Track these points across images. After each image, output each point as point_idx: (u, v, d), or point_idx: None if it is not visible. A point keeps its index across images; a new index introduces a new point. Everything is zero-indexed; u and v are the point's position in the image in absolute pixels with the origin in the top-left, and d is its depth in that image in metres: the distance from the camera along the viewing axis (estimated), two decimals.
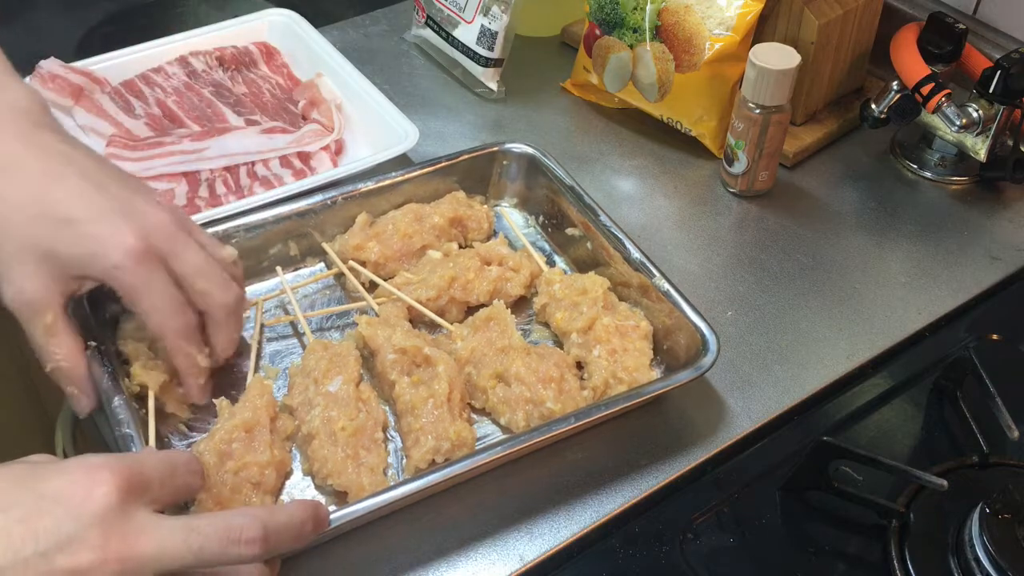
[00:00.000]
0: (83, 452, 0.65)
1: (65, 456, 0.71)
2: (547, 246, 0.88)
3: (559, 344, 0.79)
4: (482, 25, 1.01)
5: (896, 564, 0.66)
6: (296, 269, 0.84)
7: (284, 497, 0.68)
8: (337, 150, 0.95)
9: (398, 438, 0.71)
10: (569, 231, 0.86)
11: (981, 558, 0.63)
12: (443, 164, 0.87)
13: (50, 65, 0.96)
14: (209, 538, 0.50)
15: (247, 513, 0.52)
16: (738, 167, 0.93)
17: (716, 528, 0.69)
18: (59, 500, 0.48)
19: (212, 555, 0.51)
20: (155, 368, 0.70)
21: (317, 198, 0.83)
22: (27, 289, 0.63)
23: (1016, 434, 0.72)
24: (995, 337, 0.84)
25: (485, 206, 0.88)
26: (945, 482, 0.66)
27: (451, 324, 0.78)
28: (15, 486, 0.49)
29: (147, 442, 0.66)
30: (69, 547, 0.47)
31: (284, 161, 0.92)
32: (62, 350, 0.65)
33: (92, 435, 0.74)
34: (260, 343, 0.77)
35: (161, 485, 0.52)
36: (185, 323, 0.66)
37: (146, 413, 0.69)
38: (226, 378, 0.75)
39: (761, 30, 0.93)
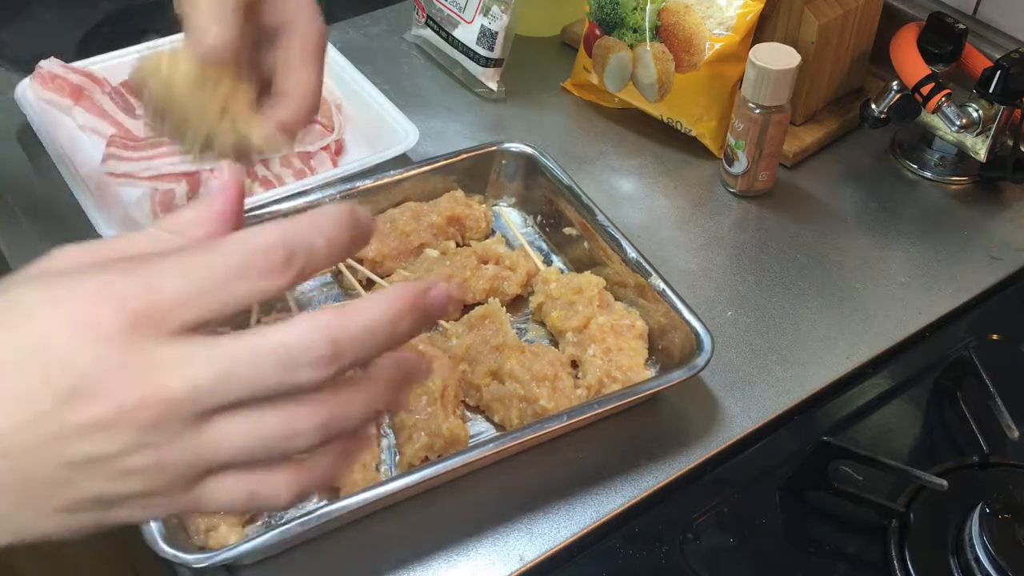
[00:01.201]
0: None
1: None
2: (545, 245, 0.88)
3: (555, 343, 0.78)
4: (482, 25, 1.00)
5: (896, 564, 0.65)
6: None
7: None
8: (337, 150, 0.95)
9: (392, 434, 0.71)
10: (567, 231, 0.86)
11: (981, 558, 0.63)
12: (442, 163, 0.87)
13: (50, 65, 0.95)
14: (263, 366, 0.37)
15: (311, 324, 0.38)
16: (738, 167, 0.93)
17: (716, 528, 0.68)
18: (51, 344, 0.37)
19: (269, 387, 0.38)
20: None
21: (316, 196, 0.83)
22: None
23: (1016, 434, 0.72)
24: (995, 337, 0.84)
25: (483, 205, 0.87)
26: (945, 482, 0.66)
27: (447, 321, 0.77)
28: None
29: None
30: (77, 400, 0.37)
31: (284, 161, 0.92)
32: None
33: None
34: None
35: (184, 306, 0.38)
36: None
37: None
38: None
39: (761, 30, 0.93)
